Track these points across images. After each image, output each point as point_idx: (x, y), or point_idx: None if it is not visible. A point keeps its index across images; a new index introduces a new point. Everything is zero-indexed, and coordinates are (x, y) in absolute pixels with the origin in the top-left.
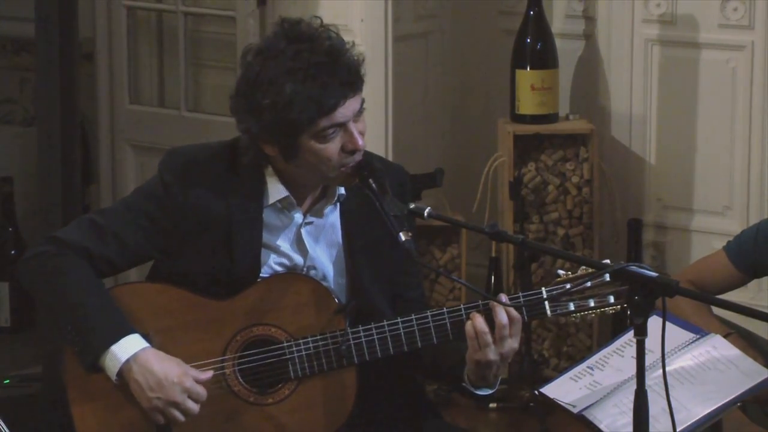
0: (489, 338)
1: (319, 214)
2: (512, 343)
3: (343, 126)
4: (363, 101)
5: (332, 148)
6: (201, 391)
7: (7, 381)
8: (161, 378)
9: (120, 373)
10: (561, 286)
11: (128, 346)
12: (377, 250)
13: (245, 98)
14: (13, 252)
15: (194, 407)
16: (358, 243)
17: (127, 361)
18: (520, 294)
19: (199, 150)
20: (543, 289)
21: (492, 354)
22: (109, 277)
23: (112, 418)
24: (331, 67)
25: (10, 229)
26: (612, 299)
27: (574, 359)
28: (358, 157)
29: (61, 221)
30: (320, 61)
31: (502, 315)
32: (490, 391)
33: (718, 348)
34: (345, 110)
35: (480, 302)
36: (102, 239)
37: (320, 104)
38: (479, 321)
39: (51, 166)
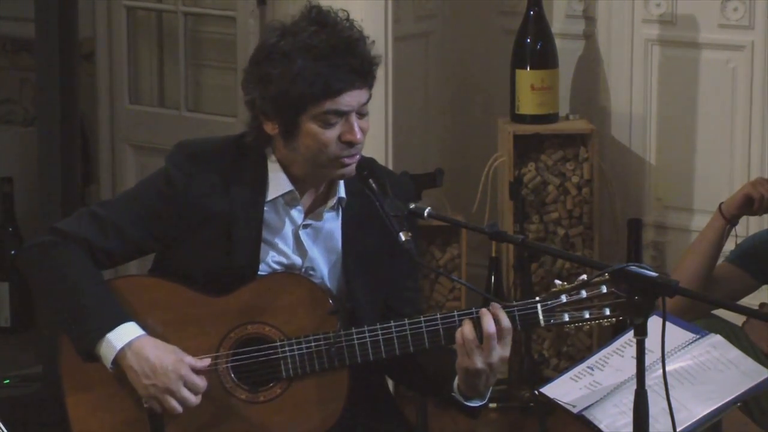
0: (475, 346)
1: (319, 218)
2: (501, 352)
3: (345, 116)
4: (369, 99)
5: (330, 134)
6: (197, 380)
7: (7, 381)
8: (156, 365)
9: (115, 361)
10: (556, 297)
11: (124, 334)
12: (375, 261)
13: (256, 67)
14: (13, 252)
15: (190, 396)
16: (357, 252)
17: (122, 348)
18: (514, 303)
19: (206, 143)
20: (537, 299)
21: (479, 362)
22: (109, 268)
23: (106, 409)
24: (345, 53)
25: (10, 229)
26: (608, 311)
27: (574, 359)
28: (354, 151)
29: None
30: (336, 45)
31: (489, 324)
32: (481, 403)
33: (718, 348)
34: (350, 99)
35: (474, 309)
36: (102, 231)
37: (327, 84)
38: (467, 328)
39: (51, 166)
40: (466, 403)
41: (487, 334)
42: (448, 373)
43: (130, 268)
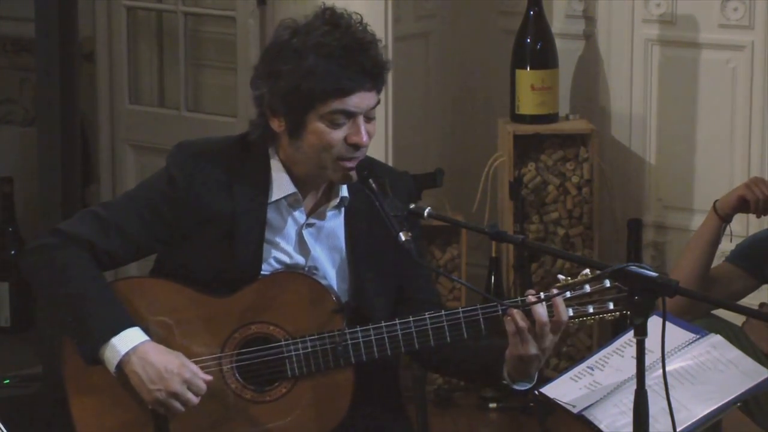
0: (530, 334)
1: (322, 217)
2: (554, 339)
3: (352, 118)
4: (377, 104)
5: (336, 135)
6: (200, 383)
7: (7, 381)
8: (161, 370)
9: (119, 366)
10: (561, 291)
11: (128, 339)
12: (381, 257)
13: (266, 63)
14: (13, 252)
15: (194, 398)
16: (362, 249)
17: (127, 353)
18: (518, 299)
19: (207, 144)
20: (541, 294)
21: (533, 349)
22: (111, 270)
23: (110, 412)
24: (357, 54)
25: (10, 229)
26: (611, 306)
27: (574, 359)
28: (359, 154)
29: (60, 221)
30: (349, 45)
31: (542, 313)
32: (530, 385)
33: (718, 348)
34: (359, 100)
35: (498, 303)
36: (105, 232)
37: (338, 83)
38: (520, 317)
39: (51, 166)
40: (514, 387)
41: (541, 323)
42: (492, 359)
43: (130, 270)
